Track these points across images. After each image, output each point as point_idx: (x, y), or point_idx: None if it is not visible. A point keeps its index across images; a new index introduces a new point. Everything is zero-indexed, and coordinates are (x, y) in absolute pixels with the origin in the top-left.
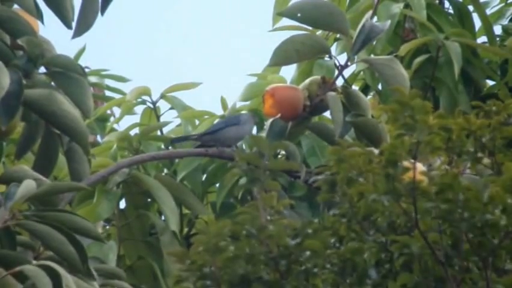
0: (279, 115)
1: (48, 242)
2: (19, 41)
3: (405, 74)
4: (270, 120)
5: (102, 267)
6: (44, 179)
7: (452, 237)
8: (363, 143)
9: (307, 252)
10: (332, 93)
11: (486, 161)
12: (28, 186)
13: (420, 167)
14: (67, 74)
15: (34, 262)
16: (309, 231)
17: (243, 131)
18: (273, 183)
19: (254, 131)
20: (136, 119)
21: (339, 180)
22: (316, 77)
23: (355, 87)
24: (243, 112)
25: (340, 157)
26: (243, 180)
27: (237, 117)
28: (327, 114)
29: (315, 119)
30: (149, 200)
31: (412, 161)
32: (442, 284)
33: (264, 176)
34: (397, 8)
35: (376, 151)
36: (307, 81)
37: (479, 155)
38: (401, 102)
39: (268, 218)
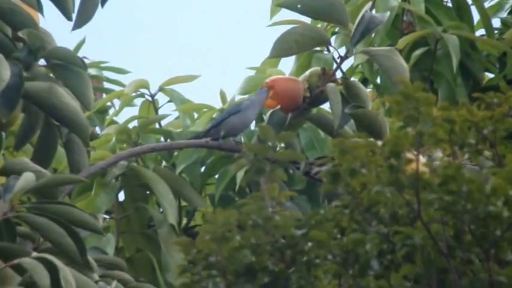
0: (278, 106)
1: (47, 234)
2: (20, 33)
3: (405, 65)
4: (270, 111)
5: (102, 257)
6: (44, 171)
7: (455, 228)
8: (363, 135)
9: (311, 243)
10: (332, 85)
11: (487, 153)
12: (27, 178)
13: (421, 159)
14: (67, 66)
15: (33, 254)
16: (313, 222)
17: (246, 118)
18: (279, 173)
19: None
20: (135, 111)
21: (343, 171)
22: (316, 69)
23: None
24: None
25: (343, 148)
26: (240, 174)
27: (238, 105)
28: (326, 106)
29: (314, 110)
30: (147, 192)
31: (415, 152)
32: (444, 275)
33: (270, 167)
34: (395, 1)
35: (379, 142)
36: (307, 72)
37: (480, 146)
38: (406, 94)
39: (271, 209)
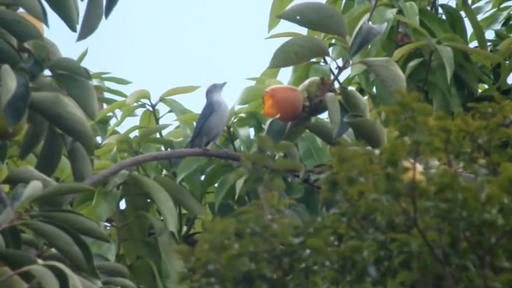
0: (278, 115)
1: (54, 242)
2: (26, 45)
3: (401, 75)
4: (270, 120)
5: (104, 264)
6: (49, 179)
7: (451, 236)
8: (362, 143)
9: (309, 250)
10: (331, 94)
11: (482, 161)
12: (35, 187)
13: (418, 167)
14: (72, 76)
15: (40, 262)
16: (311, 230)
17: (222, 113)
18: (278, 182)
19: (250, 132)
20: (136, 121)
21: (340, 179)
22: (315, 78)
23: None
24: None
25: (341, 157)
26: (239, 182)
27: (208, 106)
28: (324, 115)
29: (313, 119)
30: (148, 201)
31: (412, 161)
32: (440, 282)
33: (268, 176)
34: (391, 13)
35: (377, 151)
36: (306, 82)
37: (475, 155)
38: (402, 104)
39: (269, 217)
